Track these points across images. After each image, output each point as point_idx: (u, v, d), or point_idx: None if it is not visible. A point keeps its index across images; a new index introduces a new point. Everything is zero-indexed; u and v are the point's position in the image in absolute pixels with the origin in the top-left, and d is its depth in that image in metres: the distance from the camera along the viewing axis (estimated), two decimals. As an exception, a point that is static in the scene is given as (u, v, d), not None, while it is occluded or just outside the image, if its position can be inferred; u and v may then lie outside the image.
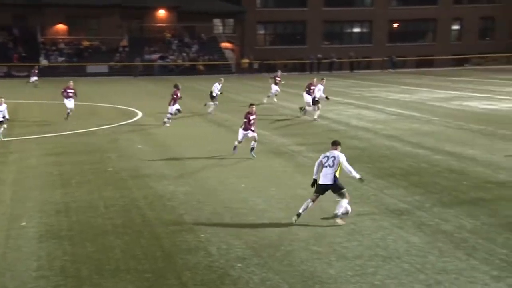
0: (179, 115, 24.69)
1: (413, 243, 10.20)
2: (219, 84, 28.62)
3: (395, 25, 70.53)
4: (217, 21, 67.41)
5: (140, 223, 11.46)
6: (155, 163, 17.00)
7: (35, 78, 44.39)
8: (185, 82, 48.77)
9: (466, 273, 8.88)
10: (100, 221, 11.59)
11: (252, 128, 17.60)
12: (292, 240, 10.35)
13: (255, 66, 61.63)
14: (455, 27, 73.41)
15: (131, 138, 21.41)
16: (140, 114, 27.98)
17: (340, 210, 11.22)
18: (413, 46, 69.90)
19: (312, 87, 26.31)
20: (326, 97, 26.90)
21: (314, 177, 11.38)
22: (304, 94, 26.70)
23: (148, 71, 57.40)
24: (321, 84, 26.55)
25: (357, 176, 11.34)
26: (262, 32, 69.05)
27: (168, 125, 24.01)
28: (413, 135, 21.35)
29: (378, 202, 12.74)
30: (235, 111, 27.30)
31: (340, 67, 64.89)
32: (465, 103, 31.33)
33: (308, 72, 60.03)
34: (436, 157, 17.53)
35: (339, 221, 11.14)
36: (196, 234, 10.73)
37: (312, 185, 11.42)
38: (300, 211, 11.14)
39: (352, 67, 64.38)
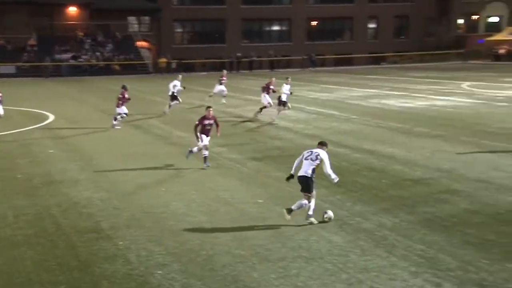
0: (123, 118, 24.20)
1: (335, 242, 10.41)
2: (179, 81, 28.44)
3: (314, 23, 71.72)
4: (132, 19, 66.57)
5: (54, 232, 11.17)
6: (68, 168, 16.62)
7: None
8: (99, 83, 48.08)
9: (386, 270, 9.14)
10: (9, 232, 11.22)
11: (208, 134, 16.37)
12: (213, 244, 10.36)
13: (173, 65, 61.23)
14: (372, 25, 75.37)
15: (42, 143, 20.85)
16: (51, 117, 27.28)
17: (310, 212, 11.45)
18: (331, 45, 71.29)
19: (271, 87, 26.15)
20: (291, 93, 26.59)
21: (291, 172, 11.70)
22: (263, 95, 26.35)
23: (58, 72, 56.03)
24: (287, 84, 25.81)
25: (336, 180, 11.54)
26: (179, 30, 68.67)
27: (118, 127, 23.56)
28: (333, 134, 21.77)
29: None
30: (152, 113, 26.98)
31: (260, 66, 65.42)
32: (383, 101, 32.21)
33: (228, 71, 60.04)
34: (356, 155, 17.95)
35: (313, 219, 11.41)
36: (114, 242, 10.56)
37: (287, 179, 11.81)
38: (311, 212, 11.41)
39: (272, 65, 65.00)
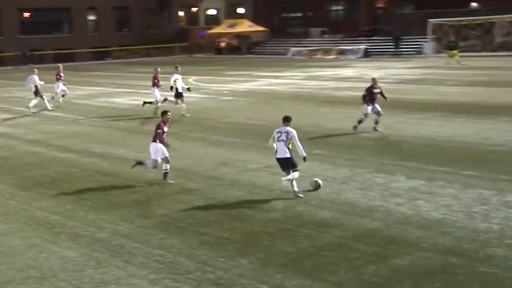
0: None
1: (68, 257, 10.28)
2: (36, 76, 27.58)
3: (26, 14, 68.74)
4: None
5: None
6: None
7: None
8: None
9: (124, 281, 9.28)
10: None
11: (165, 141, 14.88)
12: None
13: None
14: (91, 17, 74.53)
15: None
16: None
17: (294, 185, 13.03)
18: (49, 39, 69.05)
19: (157, 79, 25.73)
20: (188, 89, 25.98)
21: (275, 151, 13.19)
22: (153, 88, 25.93)
23: None
24: (177, 74, 25.23)
25: (304, 154, 13.03)
26: None
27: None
28: (59, 138, 21.32)
29: (26, 217, 12.51)
30: None
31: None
32: (111, 99, 32.29)
33: None
34: (86, 160, 17.82)
35: (301, 195, 12.98)
36: None
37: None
38: (294, 186, 13.05)
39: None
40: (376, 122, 20.39)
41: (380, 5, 76.46)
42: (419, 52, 59.09)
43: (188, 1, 79.26)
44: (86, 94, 35.23)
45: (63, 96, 30.56)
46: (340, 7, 79.46)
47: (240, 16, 78.00)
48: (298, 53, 65.95)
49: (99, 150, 19.06)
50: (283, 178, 13.14)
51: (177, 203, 13.18)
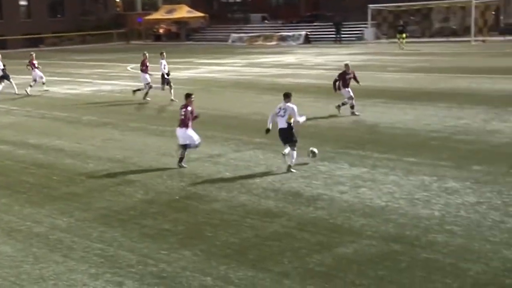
0: None
1: (4, 253, 10.08)
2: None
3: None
4: None
5: None
6: None
7: None
8: None
9: (64, 276, 9.15)
10: None
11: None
12: None
13: None
14: (23, 2, 72.79)
15: None
16: None
17: (292, 161, 14.16)
18: (-21, 25, 67.27)
19: (146, 64, 26.56)
20: (167, 74, 26.21)
21: (267, 126, 14.49)
22: (143, 74, 26.45)
23: None
24: (163, 59, 26.06)
25: (304, 119, 14.68)
26: None
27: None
28: (-8, 129, 20.83)
29: (-41, 213, 12.18)
30: None
31: None
32: (46, 88, 31.61)
33: None
34: (21, 151, 17.46)
35: (294, 170, 14.05)
36: None
37: (266, 132, 14.53)
38: (293, 163, 14.24)
39: None
40: (352, 107, 21.13)
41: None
42: (359, 38, 59.83)
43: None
44: (19, 83, 34.27)
45: (43, 83, 30.89)
46: (281, -8, 79.67)
47: (179, 1, 77.35)
48: (239, 39, 65.96)
49: (34, 142, 18.70)
50: (284, 152, 14.30)
51: (118, 195, 13.05)
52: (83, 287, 8.83)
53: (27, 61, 30.92)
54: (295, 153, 14.23)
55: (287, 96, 14.48)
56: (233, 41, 65.96)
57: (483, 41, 52.19)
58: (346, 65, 21.64)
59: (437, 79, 28.97)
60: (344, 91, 21.14)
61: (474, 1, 53.27)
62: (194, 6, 73.97)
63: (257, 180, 13.68)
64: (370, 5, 58.46)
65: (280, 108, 14.39)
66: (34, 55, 31.12)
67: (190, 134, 15.11)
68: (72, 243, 10.44)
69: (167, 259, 9.62)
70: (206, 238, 10.47)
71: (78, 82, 34.12)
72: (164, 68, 26.11)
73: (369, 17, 58.87)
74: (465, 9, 57.13)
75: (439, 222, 10.76)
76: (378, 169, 14.20)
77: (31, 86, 29.95)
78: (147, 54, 27.40)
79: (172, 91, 25.72)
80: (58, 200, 12.88)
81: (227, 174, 14.26)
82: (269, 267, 9.18)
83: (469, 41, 50.97)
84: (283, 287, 8.58)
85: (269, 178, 13.75)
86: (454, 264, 9.04)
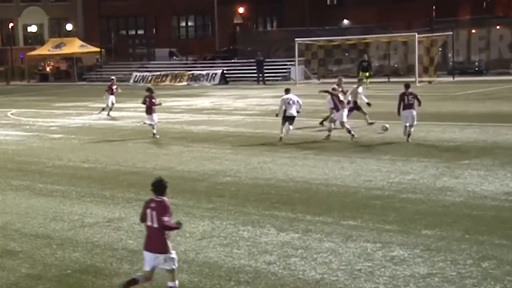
0: None
1: None
2: None
3: None
4: None
5: None
6: None
7: None
8: None
9: None
10: None
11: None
12: None
13: None
14: None
15: None
16: None
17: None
18: None
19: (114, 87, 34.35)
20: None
21: (277, 112, 27.00)
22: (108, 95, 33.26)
23: None
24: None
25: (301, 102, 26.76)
26: None
27: None
28: None
29: None
30: None
31: None
32: None
33: None
34: None
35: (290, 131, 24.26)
36: None
37: (277, 115, 26.95)
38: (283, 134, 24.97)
39: None
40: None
41: (238, 20, 78.11)
42: (285, 78, 60.71)
43: (5, 15, 77.17)
44: None
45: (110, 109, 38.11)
46: (191, 23, 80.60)
47: (69, 34, 76.99)
48: (142, 79, 66.00)
49: None
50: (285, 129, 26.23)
51: (-4, 271, 12.75)
52: None
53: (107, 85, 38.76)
54: (291, 126, 26.60)
55: (288, 91, 26.97)
56: (135, 81, 65.91)
57: (429, 82, 53.79)
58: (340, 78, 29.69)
59: (378, 127, 29.66)
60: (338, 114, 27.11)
61: (417, 35, 54.83)
62: (88, 39, 73.84)
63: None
64: (297, 39, 59.19)
65: (290, 99, 26.26)
66: (115, 79, 40.20)
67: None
68: None
69: None
70: (106, 322, 10.32)
71: None
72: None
73: (296, 53, 59.38)
74: (407, 44, 58.85)
75: (385, 297, 10.91)
76: (311, 235, 14.34)
77: (103, 109, 38.43)
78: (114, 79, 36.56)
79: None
80: None
81: (130, 242, 14.13)
82: None
83: (413, 82, 52.43)
84: None
85: (182, 247, 13.68)
86: None
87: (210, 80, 62.39)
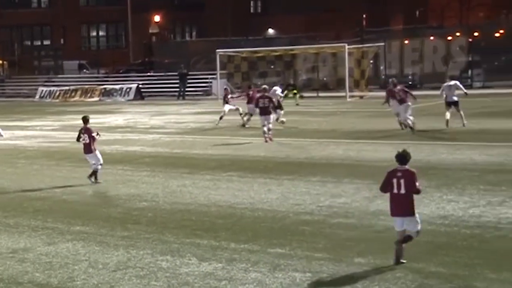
0: None
1: None
2: None
3: None
4: None
5: None
6: None
7: None
8: None
9: None
10: None
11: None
12: None
13: None
14: None
15: None
16: None
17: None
18: None
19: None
20: None
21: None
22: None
23: None
24: None
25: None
26: None
27: None
28: None
29: None
30: None
31: None
32: None
33: None
34: None
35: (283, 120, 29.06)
36: None
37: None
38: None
39: None
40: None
41: (153, 30, 77.90)
42: (207, 93, 60.78)
43: None
44: None
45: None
46: (102, 33, 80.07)
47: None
48: (49, 94, 65.28)
49: None
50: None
51: None
52: None
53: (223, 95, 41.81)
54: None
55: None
56: (41, 97, 65.20)
57: (361, 97, 54.52)
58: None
59: (307, 146, 29.91)
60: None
61: (347, 46, 55.49)
62: (-13, 50, 72.71)
63: (78, 283, 13.44)
64: (219, 50, 59.23)
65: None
66: (229, 89, 43.22)
67: None
68: None
69: None
70: None
71: None
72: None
73: (218, 65, 59.47)
74: (336, 56, 59.44)
75: (315, 332, 10.99)
76: (236, 264, 14.34)
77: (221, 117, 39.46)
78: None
79: None
80: None
81: (37, 275, 13.91)
82: None
83: (343, 96, 52.98)
84: None
85: (94, 279, 13.54)
86: None
87: (124, 95, 62.10)
